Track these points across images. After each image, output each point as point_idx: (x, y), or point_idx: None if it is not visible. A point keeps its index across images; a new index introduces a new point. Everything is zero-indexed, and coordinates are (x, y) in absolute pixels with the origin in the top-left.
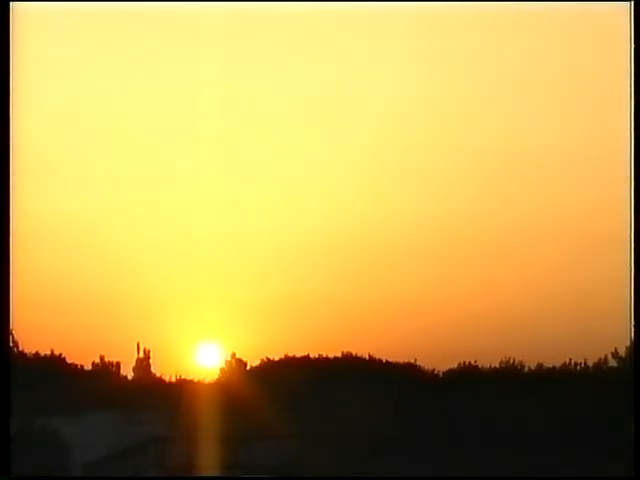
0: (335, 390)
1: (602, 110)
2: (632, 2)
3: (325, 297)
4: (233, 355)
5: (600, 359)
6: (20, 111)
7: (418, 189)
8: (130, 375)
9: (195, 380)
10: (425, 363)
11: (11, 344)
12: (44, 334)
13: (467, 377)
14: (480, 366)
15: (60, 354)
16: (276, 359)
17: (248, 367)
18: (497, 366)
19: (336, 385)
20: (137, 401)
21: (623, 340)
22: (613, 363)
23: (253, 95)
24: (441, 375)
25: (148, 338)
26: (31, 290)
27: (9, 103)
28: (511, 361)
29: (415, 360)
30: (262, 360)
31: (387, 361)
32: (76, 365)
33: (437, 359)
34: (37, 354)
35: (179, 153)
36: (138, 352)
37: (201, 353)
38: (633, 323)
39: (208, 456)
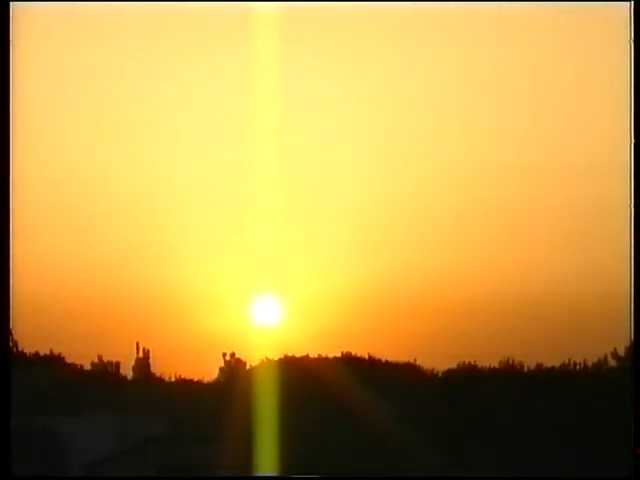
0: (335, 390)
1: (602, 110)
2: (632, 2)
3: (326, 297)
4: (233, 355)
5: (600, 359)
6: (20, 111)
7: (417, 189)
8: (130, 375)
9: (195, 380)
10: (425, 363)
11: (11, 344)
12: (44, 334)
13: (467, 377)
14: (480, 366)
15: (59, 354)
16: (276, 359)
17: (248, 367)
18: (497, 366)
19: (336, 385)
20: (136, 401)
21: (623, 340)
22: (613, 363)
23: (253, 96)
24: (440, 375)
25: (148, 338)
26: (31, 290)
27: (9, 103)
28: (511, 361)
29: (415, 360)
30: (262, 360)
31: (387, 361)
32: (75, 365)
33: (437, 359)
34: (37, 354)
35: (181, 148)
36: (138, 352)
37: (258, 308)
38: (633, 323)
39: (207, 456)
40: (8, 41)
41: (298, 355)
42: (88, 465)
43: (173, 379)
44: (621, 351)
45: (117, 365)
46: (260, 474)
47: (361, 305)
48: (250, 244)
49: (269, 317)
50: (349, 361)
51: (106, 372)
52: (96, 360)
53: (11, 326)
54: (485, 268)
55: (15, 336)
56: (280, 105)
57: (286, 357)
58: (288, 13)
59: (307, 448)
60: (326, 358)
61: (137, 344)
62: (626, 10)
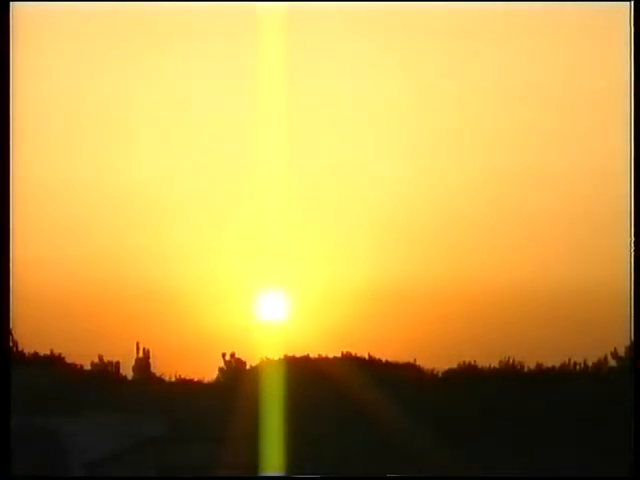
0: (335, 390)
1: (602, 110)
2: (632, 2)
3: (326, 296)
4: (232, 355)
5: (600, 359)
6: (20, 111)
7: (431, 190)
8: (130, 375)
9: (195, 380)
10: (425, 363)
11: (11, 344)
12: (44, 334)
13: (467, 377)
14: (480, 366)
15: (59, 354)
16: (276, 359)
17: (248, 367)
18: (497, 366)
19: (336, 385)
20: (136, 401)
21: (623, 340)
22: (613, 363)
23: (259, 93)
24: (440, 375)
25: (148, 338)
26: (31, 290)
27: (9, 103)
28: (511, 361)
29: (415, 360)
30: (262, 360)
31: (387, 361)
32: (75, 365)
33: (437, 359)
34: (36, 354)
35: (178, 149)
36: (138, 352)
37: (264, 304)
38: (633, 323)
39: (207, 456)
40: (8, 41)
41: (298, 355)
42: (88, 465)
43: (173, 379)
44: (621, 351)
45: (117, 365)
46: (262, 474)
47: (363, 305)
48: (255, 239)
49: (275, 314)
50: (349, 361)
51: (106, 372)
52: (96, 360)
53: (11, 326)
54: (485, 269)
55: (15, 336)
56: (290, 101)
57: (286, 357)
58: (294, 11)
59: (309, 448)
60: (326, 358)
61: (137, 344)
62: (626, 10)
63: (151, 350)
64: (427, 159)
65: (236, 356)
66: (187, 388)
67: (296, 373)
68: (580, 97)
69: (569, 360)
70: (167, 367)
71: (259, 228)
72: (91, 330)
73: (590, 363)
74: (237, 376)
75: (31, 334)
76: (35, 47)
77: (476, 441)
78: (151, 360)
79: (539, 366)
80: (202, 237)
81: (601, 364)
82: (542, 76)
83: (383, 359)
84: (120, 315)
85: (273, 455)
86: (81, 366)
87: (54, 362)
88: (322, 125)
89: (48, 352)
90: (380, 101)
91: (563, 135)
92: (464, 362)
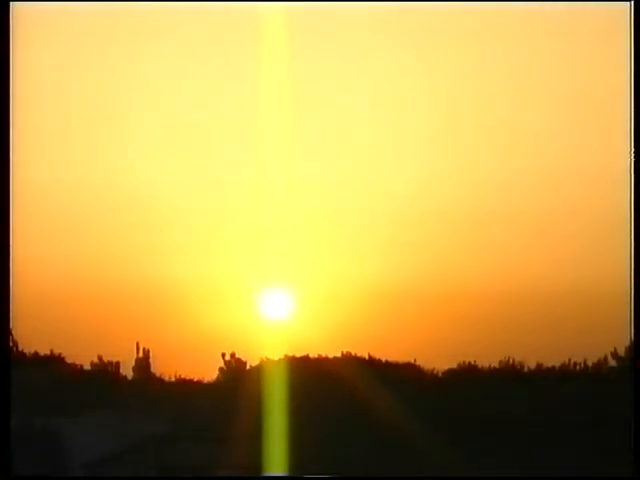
0: (334, 390)
1: (602, 110)
2: (632, 2)
3: (327, 295)
4: (232, 355)
5: (600, 359)
6: (20, 111)
7: (421, 191)
8: (130, 375)
9: (195, 380)
10: (425, 363)
11: (11, 344)
12: (44, 334)
13: (467, 377)
14: (480, 366)
15: (59, 354)
16: (276, 359)
17: (248, 367)
18: (497, 366)
19: (335, 385)
20: (136, 401)
21: (623, 340)
22: (613, 363)
23: (260, 94)
24: (440, 375)
25: (148, 338)
26: (31, 290)
27: (9, 103)
28: (511, 361)
29: (415, 360)
30: (262, 360)
31: (387, 361)
32: (75, 365)
33: (437, 359)
34: (36, 354)
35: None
36: (138, 352)
37: (266, 301)
38: (633, 323)
39: (207, 456)
40: (8, 41)
41: (298, 355)
42: (88, 465)
43: (173, 379)
44: (621, 351)
45: (117, 365)
46: (263, 474)
47: (364, 305)
48: (257, 238)
49: (276, 313)
50: (349, 361)
51: (106, 372)
52: (96, 360)
53: (11, 326)
54: (486, 270)
55: (15, 336)
56: (293, 100)
57: (286, 357)
58: (297, 11)
59: (308, 448)
60: (326, 358)
61: (137, 344)
62: (626, 10)
63: (151, 350)
64: (432, 160)
65: (236, 356)
66: (187, 388)
67: (296, 373)
68: (580, 98)
69: (569, 360)
70: (167, 367)
71: (261, 227)
72: (91, 330)
73: (590, 363)
74: (237, 376)
75: (31, 334)
76: (35, 47)
77: (476, 441)
78: (151, 360)
79: (539, 366)
80: (202, 236)
81: (601, 364)
82: (542, 77)
83: (383, 359)
84: (120, 315)
85: (273, 455)
86: (81, 366)
87: (54, 362)
88: (327, 123)
89: (48, 352)
90: (384, 100)
91: (564, 137)
92: (464, 362)
